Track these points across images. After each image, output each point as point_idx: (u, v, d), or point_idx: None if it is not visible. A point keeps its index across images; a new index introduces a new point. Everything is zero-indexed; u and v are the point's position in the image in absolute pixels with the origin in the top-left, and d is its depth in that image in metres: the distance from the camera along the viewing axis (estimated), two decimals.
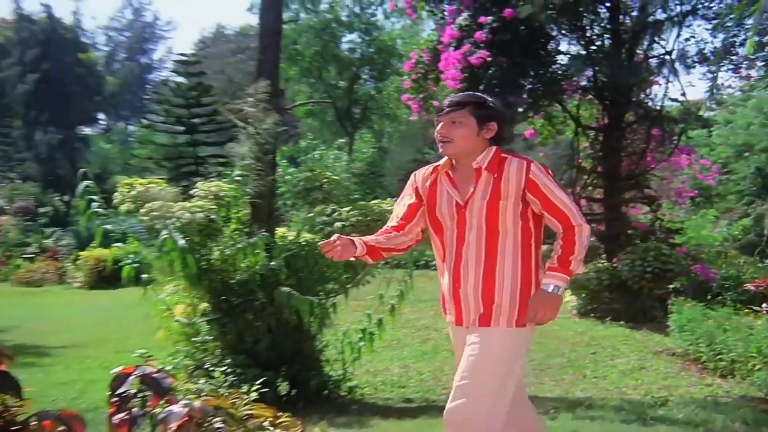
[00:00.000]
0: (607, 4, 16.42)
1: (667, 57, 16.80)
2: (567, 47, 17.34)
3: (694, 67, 16.89)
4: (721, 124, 37.27)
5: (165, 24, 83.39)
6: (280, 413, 7.24)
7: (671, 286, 16.02)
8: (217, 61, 55.80)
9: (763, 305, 12.02)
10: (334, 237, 4.14)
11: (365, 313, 10.13)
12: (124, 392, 7.17)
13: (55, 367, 12.98)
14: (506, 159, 4.15)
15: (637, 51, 16.83)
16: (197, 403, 6.64)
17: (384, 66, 44.15)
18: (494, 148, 4.21)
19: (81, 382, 11.68)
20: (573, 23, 16.22)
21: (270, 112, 10.08)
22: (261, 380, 7.58)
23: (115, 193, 10.08)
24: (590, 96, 17.52)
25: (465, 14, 14.86)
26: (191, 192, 10.06)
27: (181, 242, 9.09)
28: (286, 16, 23.98)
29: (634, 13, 16.63)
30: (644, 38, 16.80)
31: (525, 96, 15.55)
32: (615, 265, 16.49)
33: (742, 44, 16.56)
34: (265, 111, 10.12)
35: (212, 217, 9.57)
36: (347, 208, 9.93)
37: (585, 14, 16.27)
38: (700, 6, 16.51)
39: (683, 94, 17.32)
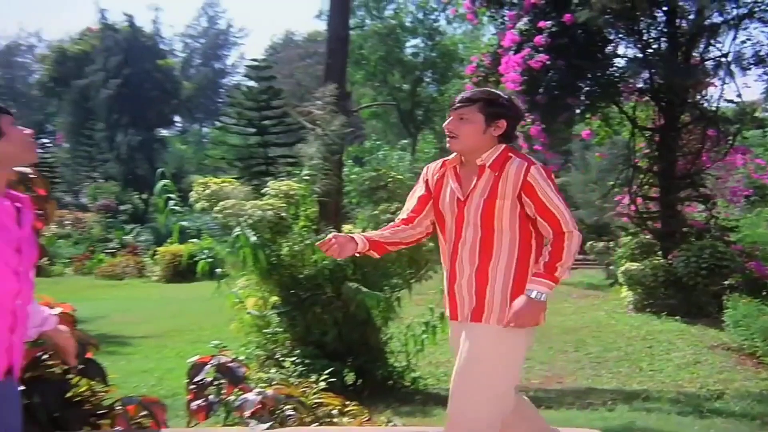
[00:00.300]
0: (664, 8, 16.22)
1: (723, 59, 16.56)
2: (624, 50, 17.18)
3: (750, 69, 16.58)
4: None
5: (238, 31, 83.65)
6: (348, 402, 7.27)
7: (726, 282, 15.77)
8: (287, 66, 56.03)
9: None
10: (330, 236, 4.06)
11: (428, 306, 10.13)
12: (201, 380, 7.26)
13: (135, 355, 13.14)
14: (510, 158, 3.98)
15: (693, 54, 16.63)
16: (270, 392, 6.70)
17: (446, 69, 44.00)
18: (503, 146, 4.05)
19: (159, 370, 11.82)
20: (630, 27, 16.05)
21: (337, 114, 10.13)
22: (329, 370, 7.62)
23: (191, 192, 10.18)
24: (646, 98, 17.34)
25: (525, 19, 14.78)
26: (262, 191, 10.13)
27: (253, 238, 9.16)
28: (352, 22, 24.02)
29: (691, 17, 16.40)
30: (700, 41, 16.58)
31: (582, 98, 15.44)
32: (670, 261, 16.32)
33: None
34: (333, 113, 10.17)
35: (282, 214, 9.63)
36: None
37: (642, 18, 16.09)
38: (756, 9, 16.23)
39: (739, 96, 16.94)
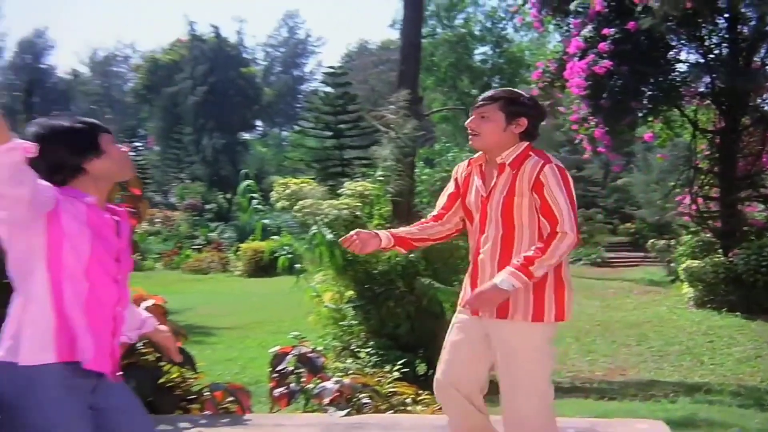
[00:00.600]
0: (726, 15, 15.94)
1: None
2: (686, 56, 16.90)
3: None
4: None
5: (315, 40, 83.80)
6: (421, 391, 7.25)
7: None
8: (361, 73, 56.12)
9: None
10: (353, 232, 4.01)
11: None
12: (283, 369, 7.30)
13: (220, 345, 13.28)
14: (529, 156, 3.84)
15: (755, 59, 16.31)
16: (347, 381, 6.71)
17: (513, 75, 43.75)
18: (524, 144, 3.90)
19: (242, 359, 11.93)
20: (692, 33, 15.80)
21: (409, 118, 10.13)
22: (402, 361, 7.61)
23: (272, 192, 10.26)
24: (708, 101, 17.06)
25: (589, 27, 14.62)
26: (338, 191, 10.17)
27: (329, 236, 9.20)
28: (424, 31, 23.96)
29: (752, 23, 16.09)
30: (761, 46, 16.27)
31: (645, 102, 15.22)
32: (731, 259, 16.07)
33: None
34: (405, 117, 10.17)
35: (357, 213, 9.65)
36: None
37: (704, 25, 15.83)
38: None
39: None
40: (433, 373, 9.57)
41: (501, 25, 43.76)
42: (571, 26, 15.87)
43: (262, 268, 26.89)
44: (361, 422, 5.57)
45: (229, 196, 48.33)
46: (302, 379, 7.24)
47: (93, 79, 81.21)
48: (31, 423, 2.67)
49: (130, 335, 3.24)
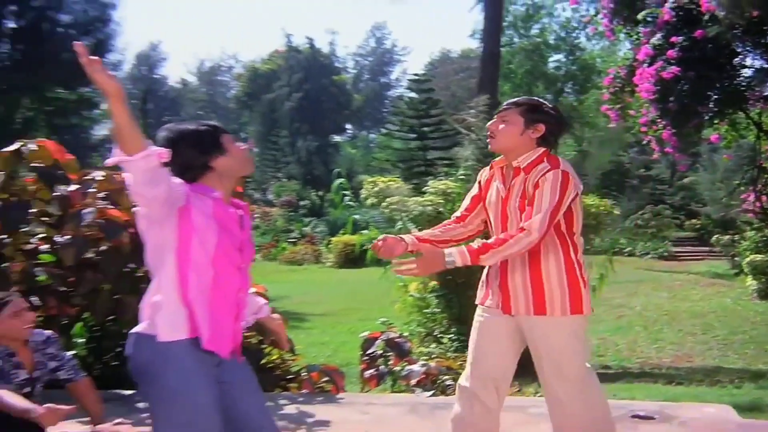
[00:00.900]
0: None
1: None
2: (751, 61, 16.51)
3: None
4: None
5: (401, 50, 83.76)
6: None
7: None
8: (443, 80, 55.98)
9: None
10: (380, 237, 3.90)
11: None
12: (373, 353, 7.37)
13: (314, 330, 13.40)
14: (541, 163, 3.74)
15: None
16: (432, 364, 6.74)
17: (585, 81, 43.25)
18: (541, 150, 3.80)
19: (334, 343, 12.03)
20: (757, 40, 15.43)
21: (488, 121, 10.11)
22: None
23: (361, 190, 10.32)
24: None
25: (658, 35, 14.36)
26: (422, 189, 10.18)
27: (414, 230, 9.22)
28: (502, 40, 23.80)
29: None
30: None
31: (711, 105, 14.92)
32: None
33: None
34: (485, 120, 10.13)
35: (440, 210, 9.66)
36: None
37: None
38: None
39: None
40: None
41: (574, 35, 43.28)
42: (640, 35, 15.62)
43: (352, 259, 27.01)
44: (445, 402, 5.58)
45: (321, 193, 48.65)
46: (390, 362, 7.29)
47: (200, 87, 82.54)
48: (166, 385, 2.87)
49: (247, 319, 3.34)
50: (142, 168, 2.68)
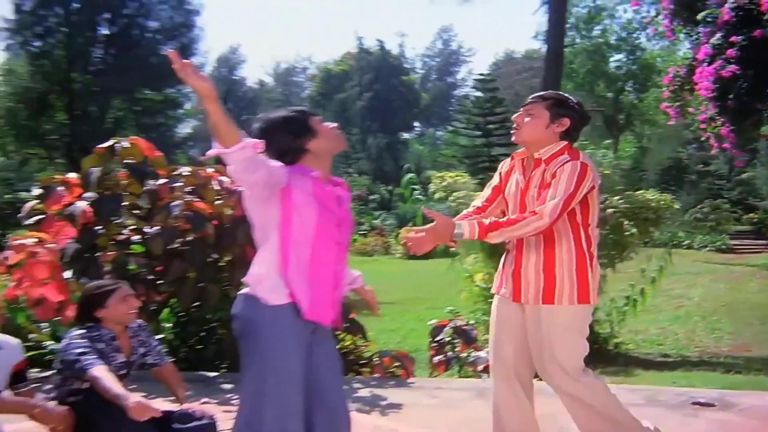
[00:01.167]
0: None
1: None
2: None
3: None
4: None
5: (467, 51, 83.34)
6: None
7: None
8: (507, 79, 55.65)
9: None
10: (408, 235, 3.82)
11: (629, 283, 9.95)
12: (441, 339, 7.37)
13: (384, 318, 13.40)
14: (561, 155, 3.65)
15: None
16: None
17: (645, 80, 42.58)
18: (563, 143, 3.70)
19: (403, 330, 12.06)
20: None
21: None
22: None
23: (429, 184, 10.31)
24: None
25: (718, 35, 14.09)
26: (487, 184, 10.14)
27: None
28: (565, 41, 23.52)
29: None
30: None
31: None
32: None
33: None
34: None
35: None
36: (617, 197, 9.71)
37: None
38: None
39: None
40: None
41: (635, 35, 42.64)
42: (700, 35, 15.35)
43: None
44: None
45: (390, 188, 48.72)
46: (457, 349, 7.29)
47: (276, 87, 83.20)
48: (263, 342, 3.04)
49: (344, 290, 3.41)
50: (239, 158, 2.83)
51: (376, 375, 6.67)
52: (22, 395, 3.82)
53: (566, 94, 3.88)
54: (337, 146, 3.28)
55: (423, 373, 7.54)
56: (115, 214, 6.46)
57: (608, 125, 44.76)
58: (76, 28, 38.50)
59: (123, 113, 41.04)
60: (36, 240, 6.25)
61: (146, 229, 6.46)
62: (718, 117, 14.04)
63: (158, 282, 6.52)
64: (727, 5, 13.28)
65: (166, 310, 6.97)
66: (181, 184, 6.50)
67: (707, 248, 28.34)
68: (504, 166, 3.97)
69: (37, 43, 38.53)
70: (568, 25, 40.27)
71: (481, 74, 43.56)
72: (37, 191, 6.54)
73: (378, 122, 59.33)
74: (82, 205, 6.24)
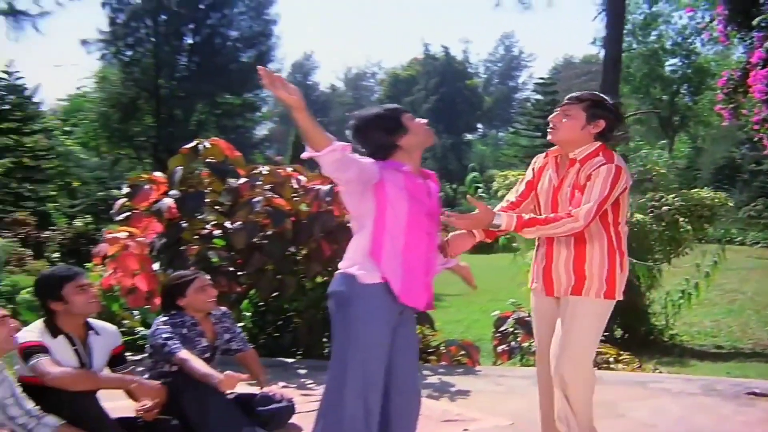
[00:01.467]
0: None
1: None
2: None
3: None
4: None
5: (527, 56, 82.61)
6: (621, 352, 7.08)
7: None
8: (566, 83, 54.93)
9: None
10: (445, 239, 3.63)
11: (684, 278, 9.79)
12: (504, 330, 7.32)
13: (450, 309, 13.41)
14: (596, 156, 3.53)
15: None
16: None
17: (699, 83, 41.81)
18: (598, 144, 3.58)
19: (467, 320, 12.03)
20: None
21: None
22: None
23: (492, 183, 10.25)
24: None
25: None
26: None
27: None
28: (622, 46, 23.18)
29: None
30: None
31: None
32: None
33: None
34: None
35: None
36: (672, 195, 9.55)
37: None
38: None
39: None
40: (628, 337, 9.30)
41: (690, 40, 41.86)
42: (754, 39, 15.02)
43: (483, 246, 26.86)
44: None
45: (455, 186, 48.59)
46: (519, 339, 7.23)
47: (347, 92, 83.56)
48: (353, 315, 3.08)
49: (438, 268, 3.44)
50: (330, 160, 2.92)
51: (443, 363, 6.66)
52: None
53: (603, 95, 3.76)
54: (426, 141, 3.31)
55: (485, 361, 7.50)
56: (198, 210, 6.55)
57: (664, 126, 44.13)
58: (163, 38, 39.27)
59: (205, 116, 41.65)
60: (127, 234, 6.38)
61: (227, 224, 6.55)
62: None
63: (239, 274, 6.60)
64: None
65: (245, 300, 7.05)
66: (261, 182, 6.57)
67: (759, 245, 27.72)
68: (537, 162, 3.87)
69: (128, 53, 39.39)
70: (625, 31, 39.79)
71: (542, 78, 43.32)
72: (126, 189, 6.68)
73: (443, 124, 59.10)
74: (167, 201, 6.35)
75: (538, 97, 41.65)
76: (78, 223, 26.23)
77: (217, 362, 4.28)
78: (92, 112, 40.63)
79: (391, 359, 3.16)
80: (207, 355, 4.17)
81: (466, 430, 4.56)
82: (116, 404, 3.93)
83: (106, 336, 4.00)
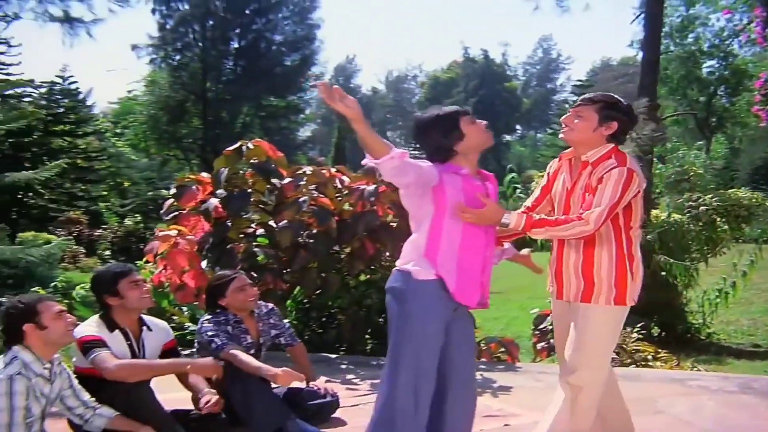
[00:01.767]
0: None
1: None
2: None
3: None
4: None
5: (565, 59, 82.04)
6: (659, 350, 7.01)
7: None
8: (604, 85, 54.28)
9: None
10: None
11: (721, 277, 9.70)
12: (543, 327, 7.28)
13: (489, 306, 13.36)
14: (609, 158, 3.42)
15: None
16: None
17: (737, 85, 41.13)
18: (610, 146, 3.48)
19: (506, 318, 11.98)
20: None
21: (648, 122, 9.76)
22: (639, 324, 7.37)
23: (531, 183, 10.24)
24: None
25: None
26: None
27: None
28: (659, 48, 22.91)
29: None
30: None
31: None
32: None
33: None
34: (645, 121, 9.81)
35: None
36: (709, 195, 9.43)
37: None
38: None
39: None
40: (666, 335, 9.19)
41: (727, 42, 41.23)
42: None
43: (522, 244, 26.77)
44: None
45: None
46: None
47: (388, 94, 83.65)
48: (408, 310, 3.12)
49: (495, 261, 3.48)
50: (388, 167, 2.97)
51: (483, 359, 6.64)
52: None
53: (617, 96, 3.69)
54: (485, 143, 3.31)
55: (524, 358, 7.47)
56: (243, 210, 6.60)
57: (701, 128, 43.58)
58: (210, 42, 39.69)
59: (250, 118, 42.01)
60: (177, 232, 6.46)
61: (272, 223, 6.59)
62: None
63: (284, 271, 6.65)
64: None
65: (290, 298, 7.10)
66: (305, 182, 6.61)
67: None
68: (552, 166, 3.80)
69: (177, 57, 39.92)
70: (662, 33, 39.34)
71: (579, 80, 43.09)
72: (173, 190, 6.76)
73: None
74: (214, 201, 6.42)
75: (576, 98, 41.40)
76: (128, 222, 26.62)
77: (264, 358, 4.33)
78: (142, 114, 41.23)
79: (446, 353, 3.18)
80: (252, 351, 4.21)
81: (507, 425, 4.56)
82: (168, 396, 3.99)
83: (157, 332, 4.07)
